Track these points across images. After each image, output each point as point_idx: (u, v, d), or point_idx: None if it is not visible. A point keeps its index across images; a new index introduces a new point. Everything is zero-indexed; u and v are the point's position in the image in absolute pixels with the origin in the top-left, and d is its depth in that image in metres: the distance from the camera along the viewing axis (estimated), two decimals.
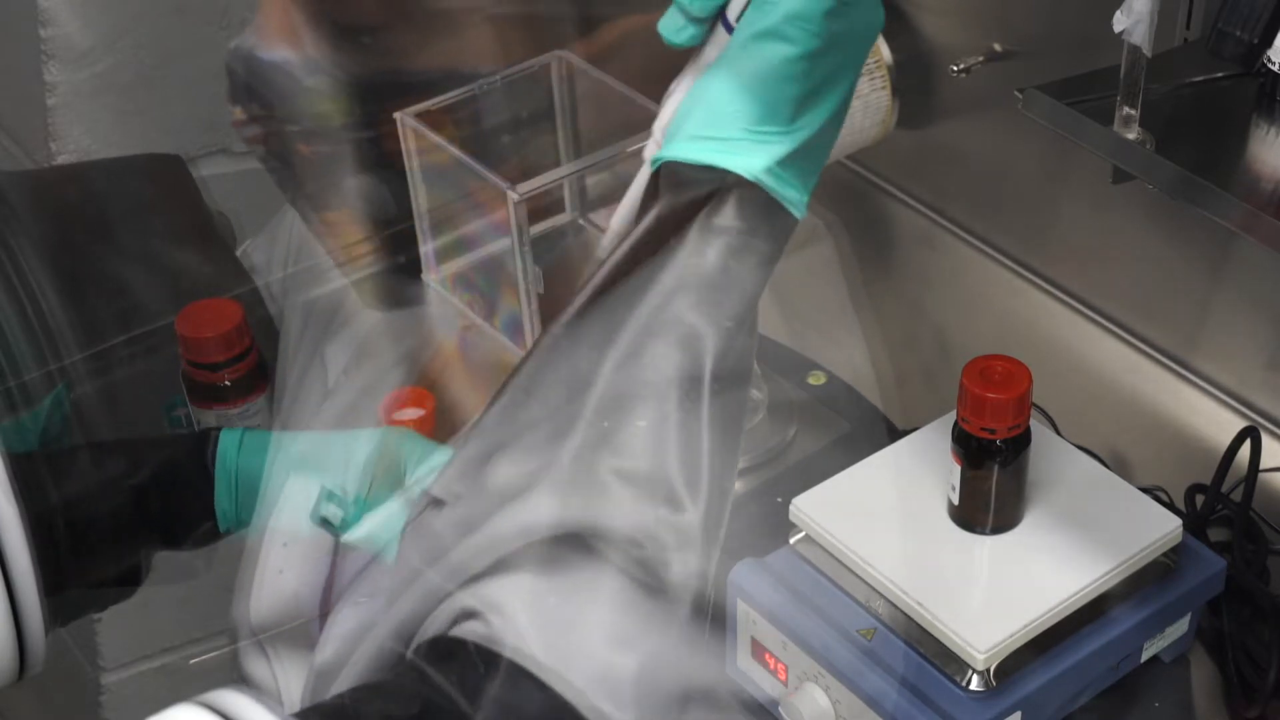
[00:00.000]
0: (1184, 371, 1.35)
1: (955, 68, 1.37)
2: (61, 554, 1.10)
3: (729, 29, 0.82)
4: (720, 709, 0.83)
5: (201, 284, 1.33)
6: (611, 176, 1.41)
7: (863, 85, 1.36)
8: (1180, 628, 1.11)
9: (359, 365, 1.26)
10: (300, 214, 1.32)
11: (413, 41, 1.25)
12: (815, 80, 0.80)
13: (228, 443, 1.12)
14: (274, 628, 1.11)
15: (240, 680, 1.24)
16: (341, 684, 0.81)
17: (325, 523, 1.05)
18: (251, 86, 1.24)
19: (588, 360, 0.79)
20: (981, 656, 1.02)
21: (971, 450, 1.06)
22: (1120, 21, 1.03)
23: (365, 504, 1.04)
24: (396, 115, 1.36)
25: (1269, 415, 1.30)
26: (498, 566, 0.78)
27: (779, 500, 1.22)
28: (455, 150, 1.34)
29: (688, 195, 0.79)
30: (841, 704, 1.06)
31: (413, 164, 1.39)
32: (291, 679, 1.18)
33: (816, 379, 1.33)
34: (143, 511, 1.13)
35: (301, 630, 1.14)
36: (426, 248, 1.44)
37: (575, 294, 0.81)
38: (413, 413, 1.33)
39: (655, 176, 0.81)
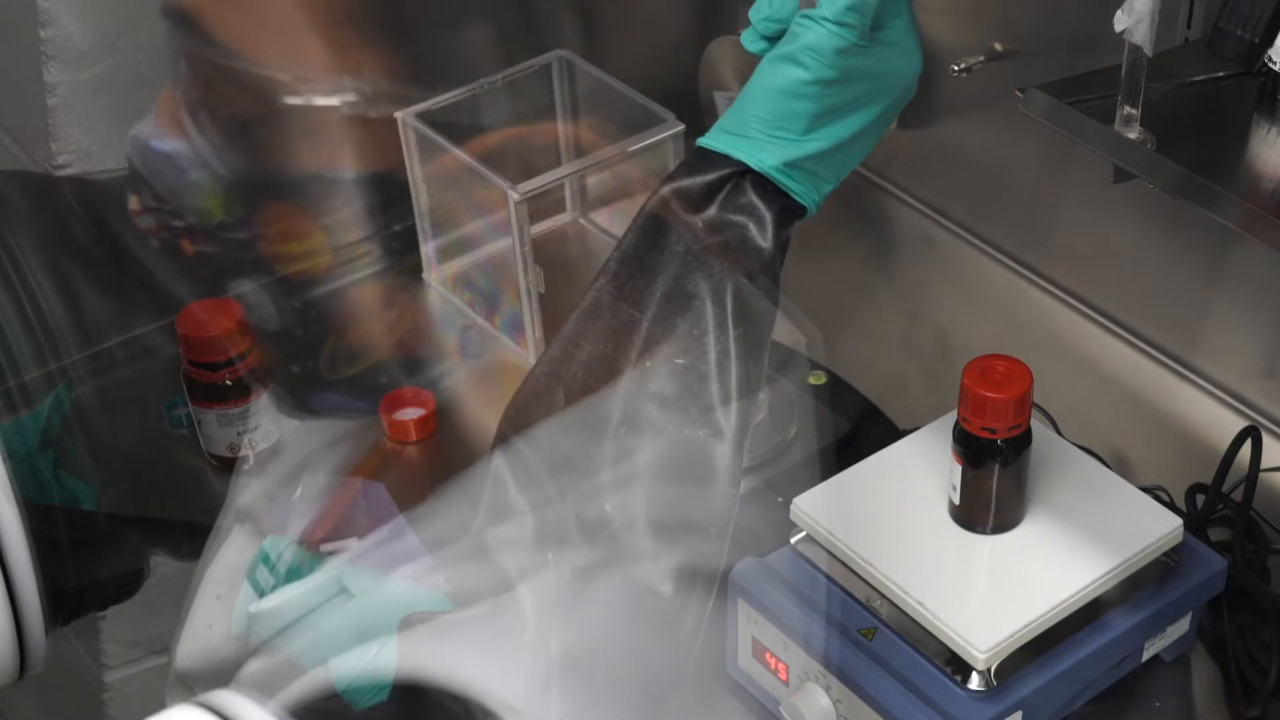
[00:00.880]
0: (1184, 371, 1.35)
1: (955, 68, 1.37)
2: (62, 554, 1.10)
3: None
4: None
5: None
6: (611, 176, 1.41)
7: None
8: (1181, 627, 1.11)
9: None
10: None
11: (285, 138, 1.32)
12: (831, 102, 0.92)
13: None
14: (195, 680, 1.10)
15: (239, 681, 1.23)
16: None
17: (258, 587, 1.04)
18: (144, 177, 1.28)
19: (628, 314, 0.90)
20: (982, 656, 1.02)
21: (972, 450, 1.06)
22: (1121, 21, 1.03)
23: (293, 574, 1.04)
24: (397, 115, 1.37)
25: (1269, 415, 1.30)
26: None
27: (779, 500, 1.22)
28: (456, 150, 1.34)
29: (707, 176, 0.92)
30: (842, 704, 1.06)
31: (413, 164, 1.39)
32: None
33: (816, 379, 1.33)
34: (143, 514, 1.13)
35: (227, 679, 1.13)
36: (427, 248, 1.44)
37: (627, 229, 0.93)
38: (413, 412, 1.33)
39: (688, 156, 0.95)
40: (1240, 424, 1.24)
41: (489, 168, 1.32)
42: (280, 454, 1.31)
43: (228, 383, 1.27)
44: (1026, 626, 1.03)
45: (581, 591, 0.84)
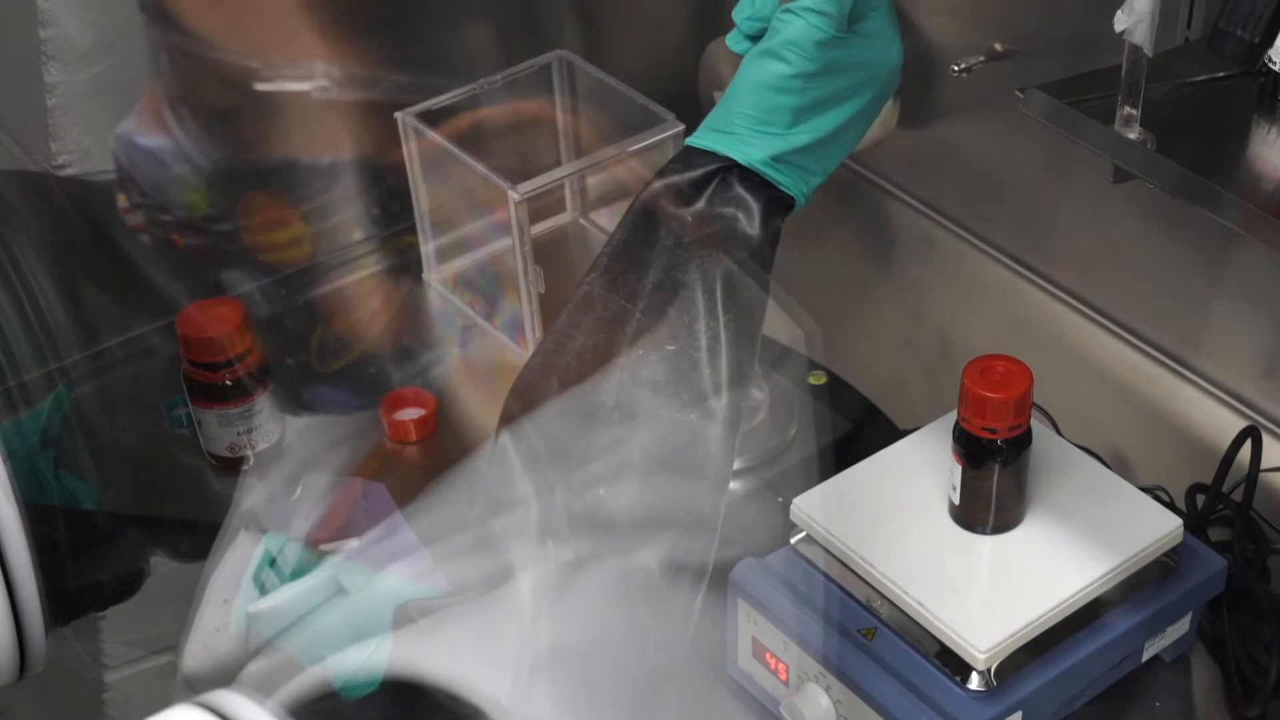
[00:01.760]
0: (1184, 371, 1.35)
1: (955, 68, 1.37)
2: (62, 554, 1.10)
3: None
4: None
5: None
6: (611, 176, 1.41)
7: None
8: (1181, 627, 1.11)
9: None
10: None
11: (261, 127, 1.34)
12: (814, 96, 0.93)
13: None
14: (202, 684, 1.10)
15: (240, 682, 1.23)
16: None
17: (262, 586, 1.05)
18: (131, 174, 1.29)
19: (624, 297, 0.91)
20: (982, 656, 1.02)
21: (972, 450, 1.06)
22: (1121, 21, 1.03)
23: (297, 574, 1.04)
24: (397, 115, 1.37)
25: (1269, 415, 1.30)
26: None
27: (779, 500, 1.22)
28: (456, 150, 1.34)
29: (695, 172, 0.93)
30: (842, 704, 1.06)
31: (413, 164, 1.39)
32: None
33: (816, 379, 1.33)
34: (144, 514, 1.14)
35: (231, 681, 1.13)
36: (427, 247, 1.44)
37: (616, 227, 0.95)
38: (413, 412, 1.33)
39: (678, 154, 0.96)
40: (1240, 424, 1.24)
41: (489, 168, 1.32)
42: (284, 455, 1.31)
43: (228, 383, 1.27)
44: (1026, 626, 1.03)
45: (574, 578, 0.84)
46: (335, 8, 1.34)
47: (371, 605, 0.91)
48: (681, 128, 1.34)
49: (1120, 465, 1.25)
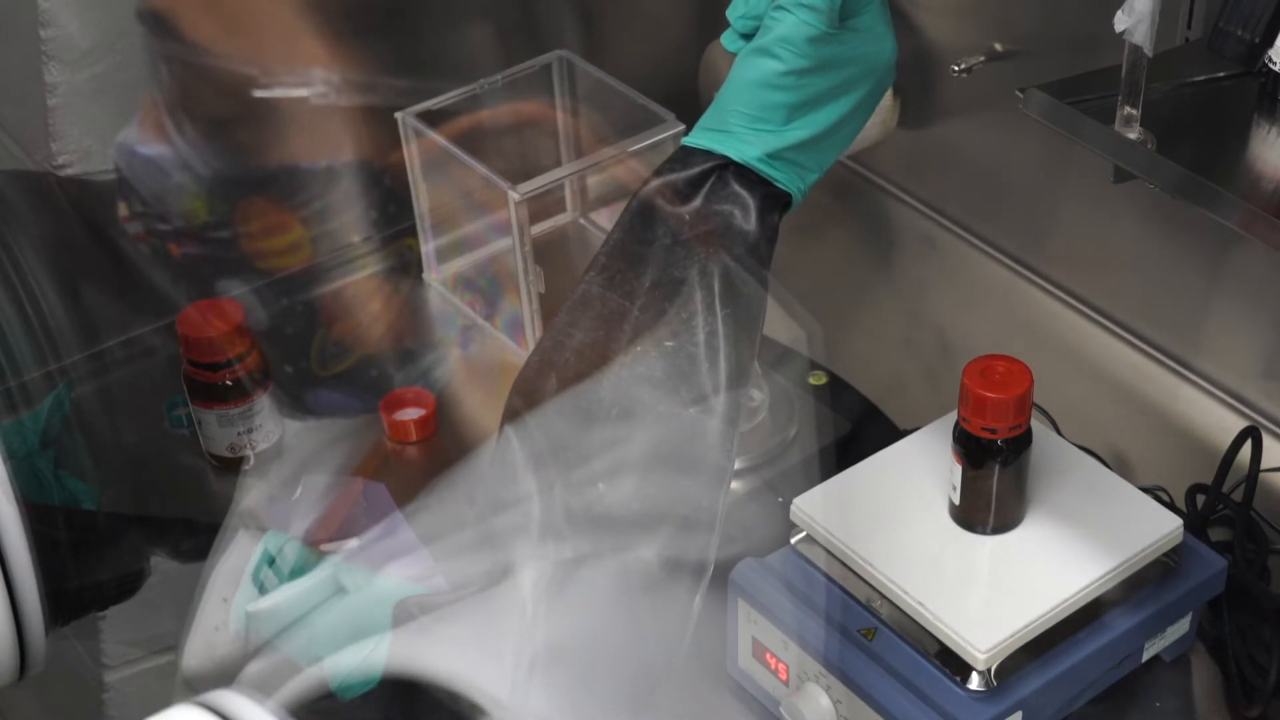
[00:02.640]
0: (1184, 371, 1.35)
1: (955, 68, 1.37)
2: (62, 554, 1.10)
3: None
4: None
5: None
6: (611, 176, 1.41)
7: None
8: (1181, 628, 1.11)
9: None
10: None
11: (261, 133, 1.34)
12: (808, 92, 0.93)
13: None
14: (202, 683, 1.10)
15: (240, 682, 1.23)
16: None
17: (262, 586, 1.05)
18: (131, 183, 1.29)
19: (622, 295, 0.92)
20: (982, 656, 1.02)
21: (972, 450, 1.06)
22: (1121, 21, 1.03)
23: (296, 573, 1.04)
24: (398, 115, 1.37)
25: (1269, 415, 1.30)
26: None
27: (779, 500, 1.22)
28: (456, 150, 1.34)
29: (691, 171, 0.93)
30: (842, 704, 1.06)
31: (413, 164, 1.39)
32: None
33: (817, 379, 1.33)
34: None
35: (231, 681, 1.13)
36: (427, 248, 1.44)
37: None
38: (413, 412, 1.33)
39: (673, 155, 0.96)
40: (1240, 424, 1.24)
41: (489, 168, 1.32)
42: (284, 455, 1.31)
43: (228, 383, 1.27)
44: (1026, 626, 1.03)
45: (574, 575, 0.85)
46: (333, 11, 1.34)
47: (371, 604, 0.91)
48: (681, 128, 1.33)
49: (1120, 465, 1.25)
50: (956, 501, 1.09)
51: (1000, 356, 1.05)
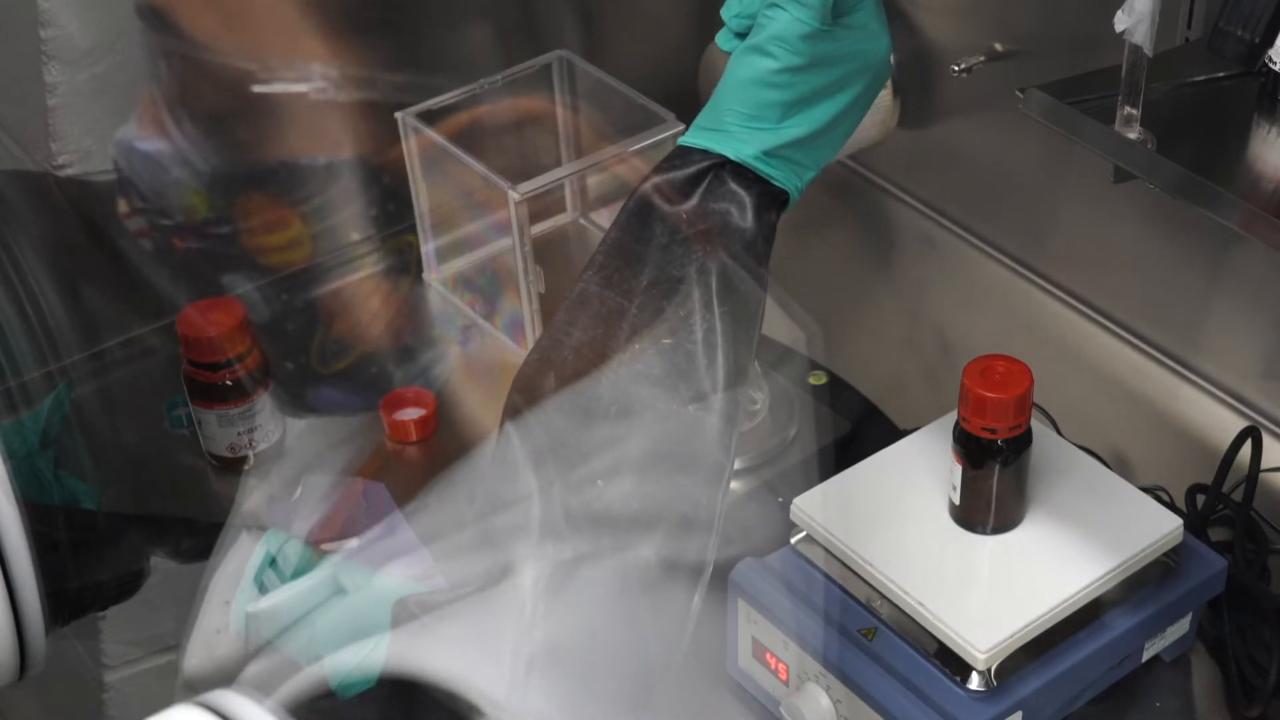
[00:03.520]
0: (1184, 371, 1.35)
1: (955, 68, 1.37)
2: (62, 554, 1.10)
3: None
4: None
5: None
6: (611, 177, 1.41)
7: None
8: (1181, 628, 1.11)
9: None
10: None
11: (260, 129, 1.34)
12: (803, 90, 0.93)
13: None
14: (203, 684, 1.10)
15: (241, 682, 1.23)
16: None
17: (262, 586, 1.05)
18: (131, 179, 1.29)
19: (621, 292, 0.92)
20: (982, 656, 1.02)
21: (972, 450, 1.06)
22: (1122, 21, 1.03)
23: (297, 573, 1.04)
24: (397, 115, 1.37)
25: (1269, 415, 1.30)
26: None
27: (779, 500, 1.22)
28: (456, 150, 1.34)
29: (688, 170, 0.93)
30: (842, 704, 1.06)
31: (413, 164, 1.39)
32: None
33: (817, 379, 1.33)
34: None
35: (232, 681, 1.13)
36: (427, 247, 1.44)
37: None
38: (413, 412, 1.33)
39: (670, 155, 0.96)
40: (1240, 424, 1.24)
41: (489, 168, 1.32)
42: (285, 456, 1.31)
43: (228, 383, 1.27)
44: (1026, 626, 1.03)
45: (572, 574, 0.85)
46: (333, 8, 1.34)
47: (371, 604, 0.91)
48: (681, 127, 1.33)
49: (1120, 465, 1.25)
50: (956, 501, 1.09)
51: (1000, 356, 1.05)
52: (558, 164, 1.41)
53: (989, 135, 1.44)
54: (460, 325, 1.43)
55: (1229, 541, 1.19)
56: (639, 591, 0.86)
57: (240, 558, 1.03)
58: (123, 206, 1.35)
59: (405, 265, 1.46)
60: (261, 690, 0.79)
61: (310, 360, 1.38)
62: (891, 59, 1.20)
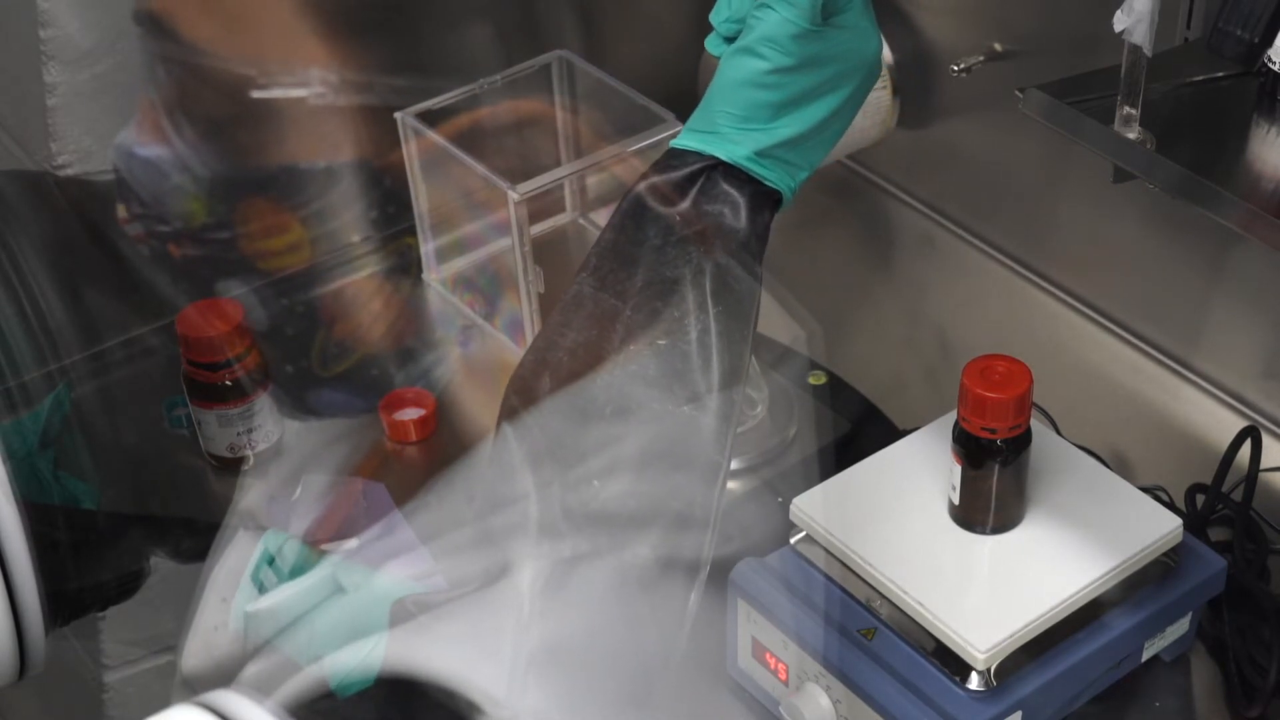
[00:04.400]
0: (1184, 371, 1.35)
1: (955, 68, 1.37)
2: (62, 554, 1.10)
3: None
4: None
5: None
6: (611, 177, 1.41)
7: None
8: (1181, 627, 1.11)
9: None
10: None
11: (259, 134, 1.33)
12: (793, 90, 0.93)
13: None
14: (202, 684, 1.10)
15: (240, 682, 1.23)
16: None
17: (261, 586, 1.05)
18: (129, 184, 1.29)
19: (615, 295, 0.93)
20: (982, 656, 1.02)
21: (972, 450, 1.06)
22: (1121, 21, 1.03)
23: (296, 573, 1.04)
24: (397, 115, 1.37)
25: (1269, 415, 1.30)
26: None
27: (779, 500, 1.22)
28: (456, 150, 1.34)
29: (681, 172, 0.94)
30: (842, 704, 1.06)
31: (413, 164, 1.39)
32: None
33: (816, 379, 1.33)
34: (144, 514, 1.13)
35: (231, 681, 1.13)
36: (427, 248, 1.44)
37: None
38: (413, 412, 1.33)
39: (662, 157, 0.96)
40: (1240, 424, 1.24)
41: (489, 168, 1.32)
42: (283, 455, 1.31)
43: (227, 383, 1.27)
44: (1026, 626, 1.03)
45: (571, 572, 0.85)
46: (331, 11, 1.34)
47: (369, 604, 0.91)
48: (681, 128, 1.33)
49: (1120, 465, 1.25)
50: (956, 501, 1.09)
51: (1000, 356, 1.05)
52: (557, 164, 1.41)
53: (988, 135, 1.44)
54: (460, 325, 1.43)
55: (1229, 541, 1.19)
56: (637, 590, 0.86)
57: (238, 556, 1.03)
58: (122, 212, 1.35)
59: (405, 266, 1.46)
60: (261, 690, 0.79)
61: (311, 363, 1.38)
62: (890, 59, 1.20)
